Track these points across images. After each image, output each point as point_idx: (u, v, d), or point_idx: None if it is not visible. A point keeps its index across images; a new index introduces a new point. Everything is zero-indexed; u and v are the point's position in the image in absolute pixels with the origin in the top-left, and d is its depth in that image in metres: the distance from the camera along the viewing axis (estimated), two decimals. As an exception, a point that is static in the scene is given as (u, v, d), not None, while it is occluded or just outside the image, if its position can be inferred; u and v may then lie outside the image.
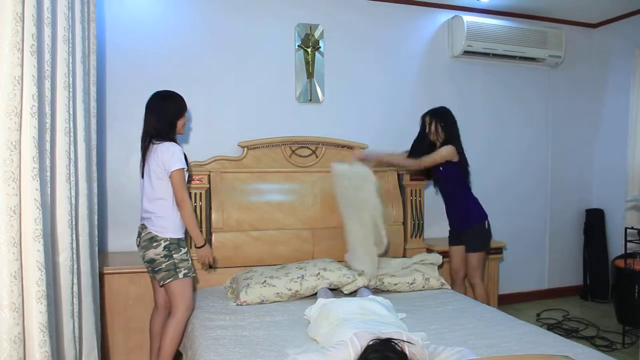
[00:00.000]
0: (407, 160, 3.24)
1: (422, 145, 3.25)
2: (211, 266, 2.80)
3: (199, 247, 2.58)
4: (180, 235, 2.51)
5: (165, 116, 2.49)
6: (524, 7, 4.09)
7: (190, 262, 2.52)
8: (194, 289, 3.10)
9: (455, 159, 3.12)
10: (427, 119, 3.23)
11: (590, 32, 4.54)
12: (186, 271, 2.48)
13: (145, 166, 2.51)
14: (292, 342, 2.21)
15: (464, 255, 3.22)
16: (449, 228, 3.35)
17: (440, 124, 3.17)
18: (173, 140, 2.49)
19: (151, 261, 2.46)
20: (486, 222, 3.18)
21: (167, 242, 2.44)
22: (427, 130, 3.23)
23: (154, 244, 2.44)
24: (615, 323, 3.64)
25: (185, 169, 2.47)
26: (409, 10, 3.92)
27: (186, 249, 2.52)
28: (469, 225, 3.17)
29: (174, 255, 2.45)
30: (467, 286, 3.34)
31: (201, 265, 2.72)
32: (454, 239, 3.30)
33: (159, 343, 2.53)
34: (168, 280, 2.45)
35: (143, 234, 2.49)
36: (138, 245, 2.54)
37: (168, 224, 2.46)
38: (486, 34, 3.92)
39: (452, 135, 3.17)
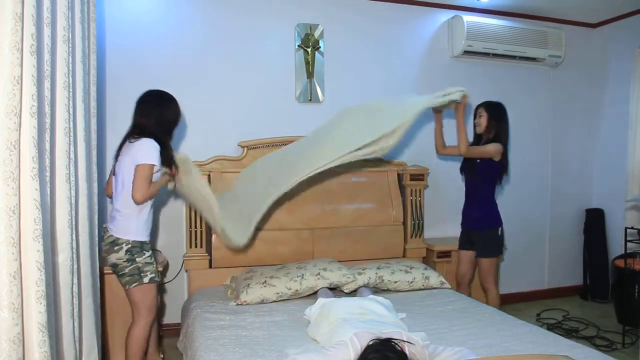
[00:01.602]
0: (464, 139, 2.99)
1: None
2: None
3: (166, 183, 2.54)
4: (143, 238, 2.43)
5: (164, 121, 2.45)
6: (524, 7, 4.09)
7: (155, 266, 2.45)
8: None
9: (497, 158, 3.02)
10: (480, 109, 3.12)
11: (590, 32, 4.54)
12: (152, 275, 2.42)
13: (117, 163, 2.45)
14: (292, 342, 2.21)
15: (472, 260, 3.20)
16: (460, 229, 3.29)
17: (492, 119, 3.04)
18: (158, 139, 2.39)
19: (114, 266, 2.40)
20: (500, 228, 3.13)
21: (129, 245, 2.37)
22: (475, 120, 3.13)
23: (116, 248, 2.37)
24: (615, 323, 3.64)
25: (156, 168, 2.37)
26: (409, 10, 3.92)
27: (150, 252, 2.44)
28: (482, 227, 3.11)
29: (137, 259, 2.38)
30: (473, 290, 3.33)
31: (171, 178, 2.56)
32: (464, 242, 3.25)
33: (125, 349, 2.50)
34: (133, 285, 2.38)
35: (105, 237, 2.43)
36: (101, 250, 2.47)
37: (130, 226, 2.39)
38: (486, 33, 3.92)
39: (501, 134, 3.04)
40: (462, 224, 3.28)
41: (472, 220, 3.18)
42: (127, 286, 2.40)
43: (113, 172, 2.50)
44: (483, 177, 3.09)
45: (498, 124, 3.05)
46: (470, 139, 3.21)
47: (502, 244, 3.23)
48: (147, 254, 2.43)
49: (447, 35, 4.04)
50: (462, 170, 3.26)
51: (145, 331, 2.44)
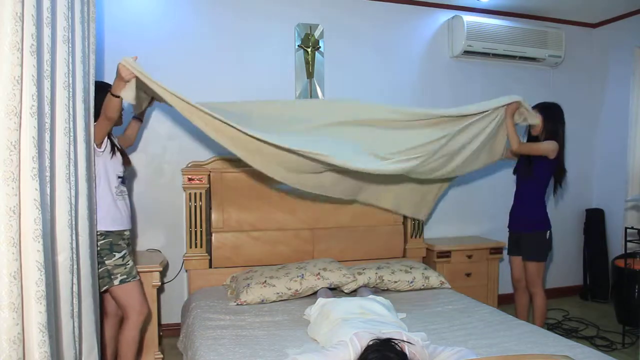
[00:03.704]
0: (514, 137, 2.88)
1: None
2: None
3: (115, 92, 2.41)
4: (111, 228, 2.39)
5: (99, 107, 2.37)
6: (524, 7, 4.09)
7: (128, 266, 2.42)
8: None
9: (552, 156, 2.91)
10: (534, 111, 2.99)
11: (590, 32, 4.54)
12: (124, 277, 2.39)
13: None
14: (292, 342, 2.21)
15: (523, 264, 3.13)
16: (507, 233, 3.22)
17: (548, 121, 2.94)
18: None
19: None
20: (548, 231, 3.05)
21: (98, 248, 2.33)
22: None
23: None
24: (615, 323, 3.64)
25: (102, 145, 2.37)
26: (409, 10, 3.92)
27: (121, 253, 2.41)
28: (531, 229, 3.05)
29: (106, 262, 2.36)
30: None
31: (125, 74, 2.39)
32: (513, 247, 3.18)
33: (116, 350, 2.49)
34: (104, 287, 2.37)
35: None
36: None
37: (99, 212, 2.34)
38: (486, 33, 3.92)
39: (555, 132, 2.94)
40: (510, 227, 3.22)
41: (522, 222, 3.11)
42: (101, 288, 2.38)
43: None
44: (539, 177, 3.00)
45: (554, 125, 2.95)
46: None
47: (550, 248, 3.14)
48: (118, 255, 2.40)
49: (447, 35, 4.04)
50: (515, 171, 3.20)
51: (133, 332, 2.43)
